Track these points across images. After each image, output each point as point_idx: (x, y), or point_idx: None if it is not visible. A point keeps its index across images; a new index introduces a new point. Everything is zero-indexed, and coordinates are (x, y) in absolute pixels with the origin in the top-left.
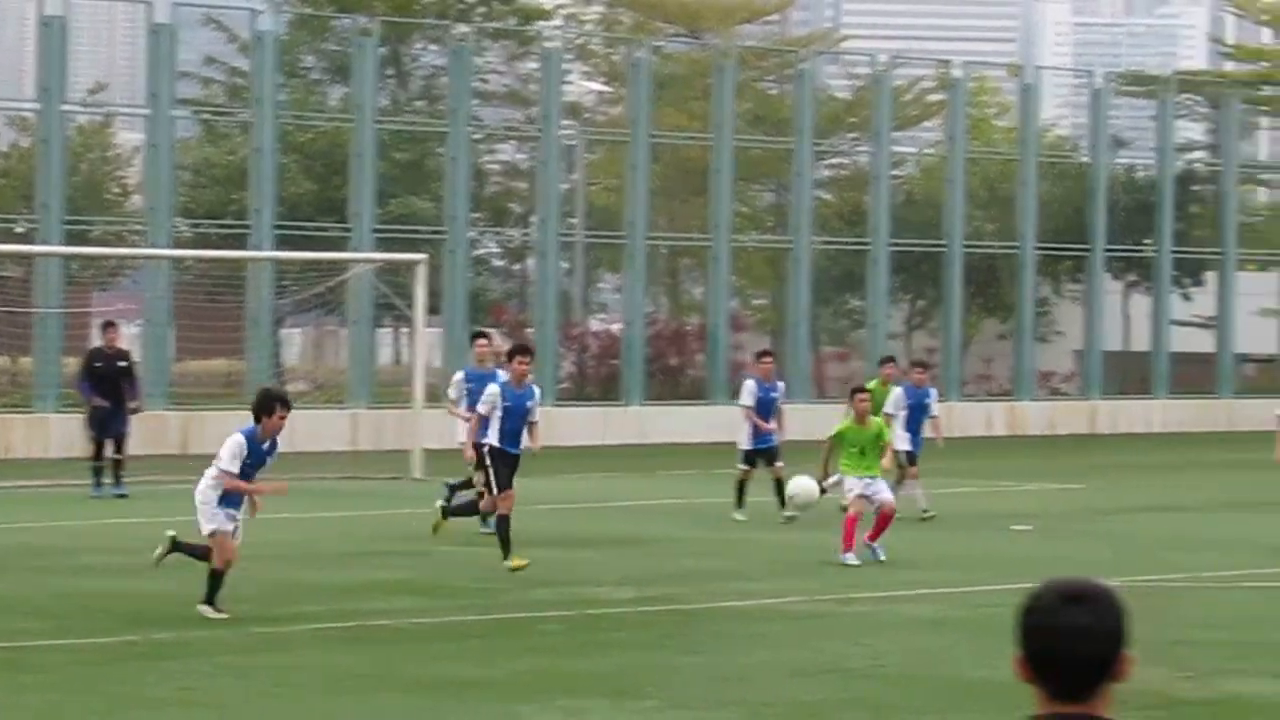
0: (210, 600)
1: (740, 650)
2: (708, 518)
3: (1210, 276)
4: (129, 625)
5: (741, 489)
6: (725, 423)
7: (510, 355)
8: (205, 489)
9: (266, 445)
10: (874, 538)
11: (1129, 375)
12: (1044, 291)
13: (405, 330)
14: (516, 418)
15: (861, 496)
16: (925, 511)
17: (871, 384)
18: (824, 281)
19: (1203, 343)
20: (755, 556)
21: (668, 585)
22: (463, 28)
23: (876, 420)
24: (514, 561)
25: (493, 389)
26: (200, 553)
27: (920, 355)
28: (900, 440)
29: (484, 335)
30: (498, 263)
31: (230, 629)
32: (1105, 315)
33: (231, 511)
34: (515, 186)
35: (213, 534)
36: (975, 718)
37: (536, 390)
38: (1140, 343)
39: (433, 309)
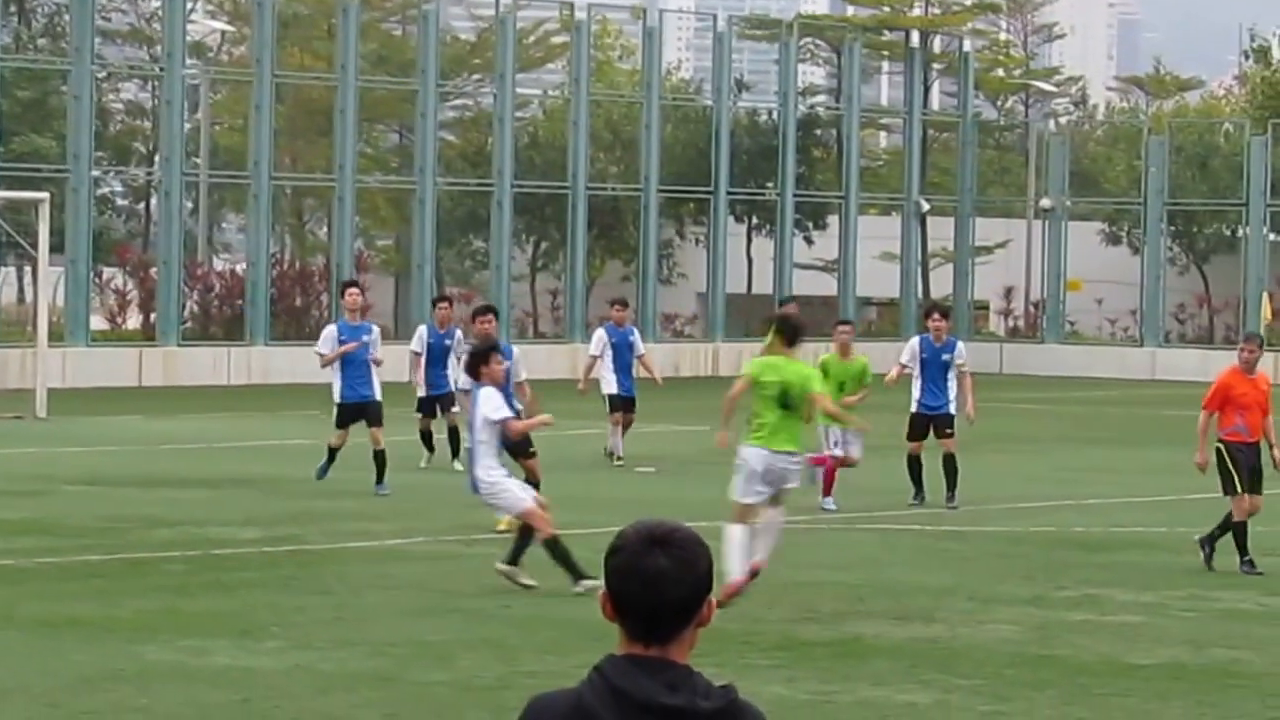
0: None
1: (365, 591)
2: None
3: (832, 220)
4: None
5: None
6: None
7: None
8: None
9: None
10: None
11: (752, 318)
12: (667, 234)
13: (28, 268)
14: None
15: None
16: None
17: None
18: (448, 223)
19: (826, 286)
20: (380, 498)
21: (292, 526)
22: None
23: (861, 357)
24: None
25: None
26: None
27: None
28: (610, 384)
29: (445, 299)
30: (121, 202)
31: None
32: (728, 258)
33: None
34: (139, 125)
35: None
36: (598, 656)
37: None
38: (763, 286)
39: (56, 247)
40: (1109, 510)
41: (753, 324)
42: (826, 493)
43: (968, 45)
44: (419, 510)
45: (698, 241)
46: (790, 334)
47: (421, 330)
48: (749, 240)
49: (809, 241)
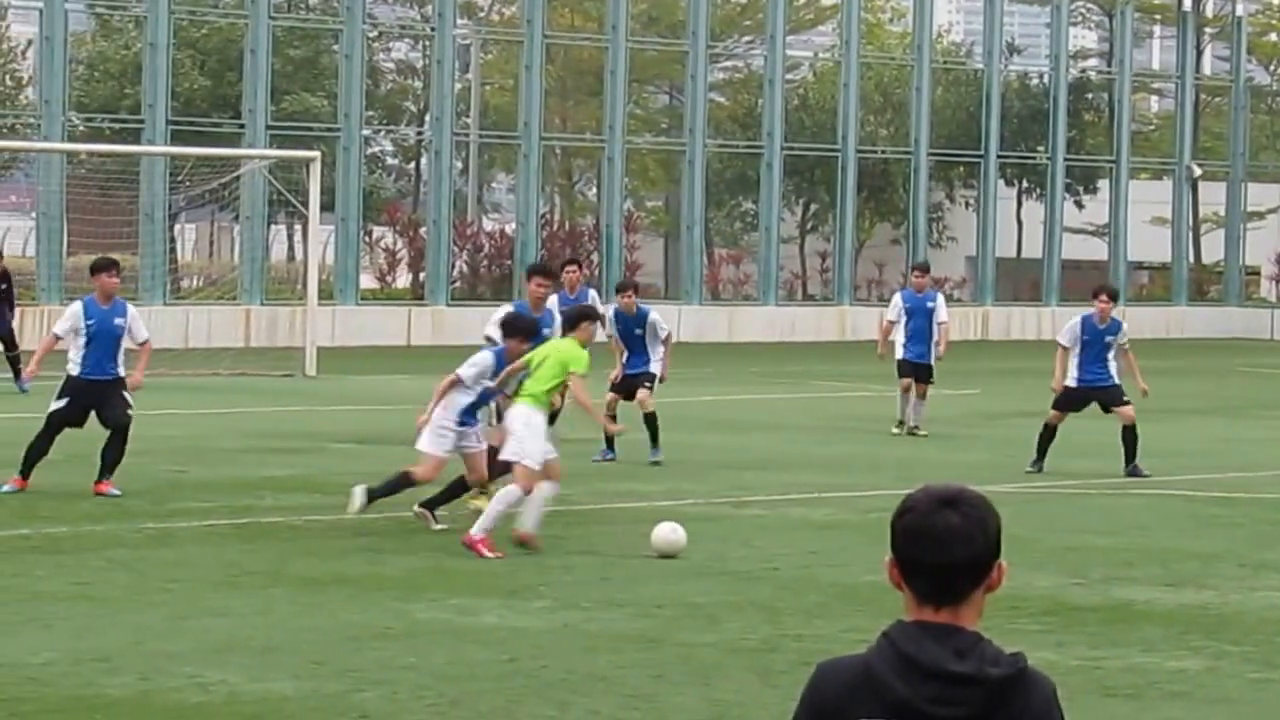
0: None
1: (632, 552)
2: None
3: (1103, 184)
4: (21, 519)
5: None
6: None
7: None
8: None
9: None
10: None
11: (1021, 282)
12: (937, 197)
13: (299, 227)
14: None
15: None
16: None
17: None
18: (717, 184)
19: (1095, 250)
20: (643, 458)
21: (562, 486)
22: None
23: None
24: None
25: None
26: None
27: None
28: (896, 348)
29: (574, 263)
30: (391, 161)
31: (123, 523)
32: (998, 222)
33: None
34: (409, 85)
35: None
36: (865, 621)
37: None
38: (1033, 249)
39: (326, 206)
40: None
41: (1022, 288)
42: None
43: (1241, 9)
44: (688, 471)
45: (967, 205)
46: None
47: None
48: (1019, 204)
49: (1079, 206)
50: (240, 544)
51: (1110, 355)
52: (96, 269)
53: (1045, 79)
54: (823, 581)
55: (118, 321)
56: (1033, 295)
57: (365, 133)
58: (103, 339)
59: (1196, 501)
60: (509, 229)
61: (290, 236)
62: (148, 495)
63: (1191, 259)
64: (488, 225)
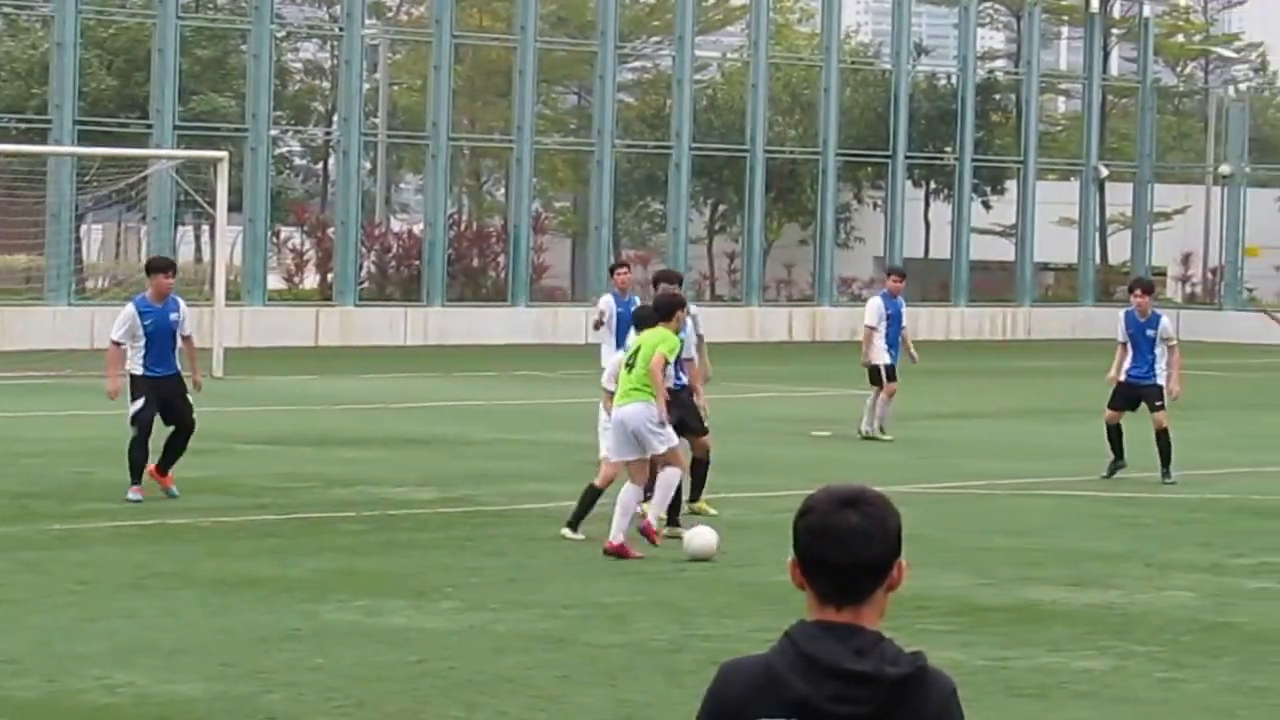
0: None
1: (540, 552)
2: (509, 420)
3: (1010, 185)
4: None
5: None
6: (525, 324)
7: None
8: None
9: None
10: None
11: (929, 282)
12: (845, 198)
13: (206, 227)
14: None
15: None
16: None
17: None
18: (625, 185)
19: (1003, 251)
20: (556, 459)
21: (468, 487)
22: None
23: None
24: None
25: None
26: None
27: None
28: (881, 353)
29: (624, 265)
30: (300, 161)
31: (30, 525)
32: (906, 222)
33: None
34: (318, 85)
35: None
36: (773, 620)
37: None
38: (940, 250)
39: (234, 206)
40: None
41: (930, 289)
42: None
43: (1147, 10)
44: (595, 472)
45: (875, 205)
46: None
47: (607, 299)
48: (926, 205)
49: (987, 206)
50: (148, 545)
51: (1156, 350)
52: (153, 269)
53: (953, 80)
54: (731, 581)
55: (173, 317)
56: (940, 296)
57: (273, 133)
58: (161, 336)
59: (1104, 502)
60: (417, 229)
61: (198, 237)
62: (54, 496)
63: (1098, 260)
64: (396, 226)
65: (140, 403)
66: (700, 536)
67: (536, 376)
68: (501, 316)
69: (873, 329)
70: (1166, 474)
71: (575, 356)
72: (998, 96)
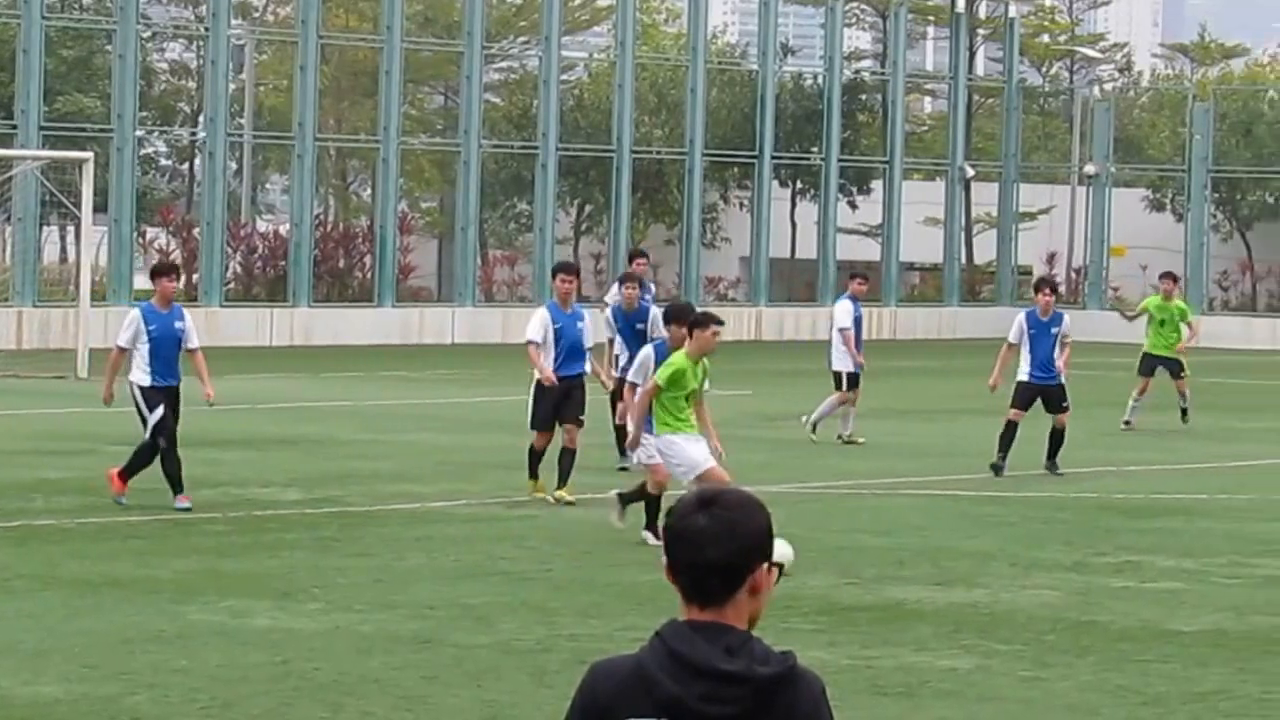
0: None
1: (406, 553)
2: (374, 420)
3: (877, 185)
4: None
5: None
6: (391, 325)
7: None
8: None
9: None
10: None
11: (795, 282)
12: (711, 198)
13: (71, 228)
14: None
15: None
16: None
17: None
18: (492, 185)
19: (869, 251)
20: (422, 459)
21: (334, 487)
22: None
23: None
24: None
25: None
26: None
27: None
28: (844, 359)
29: (643, 254)
30: (165, 162)
31: None
32: (772, 222)
33: None
34: (184, 85)
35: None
36: (640, 620)
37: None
38: (807, 250)
39: (99, 207)
40: (1151, 477)
41: (796, 289)
42: None
43: (1013, 11)
44: (462, 472)
45: (741, 205)
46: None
47: (608, 314)
48: (793, 205)
49: (853, 206)
50: (11, 547)
51: (1057, 350)
52: (157, 273)
53: (819, 80)
54: (597, 582)
55: (177, 325)
56: (807, 296)
57: (139, 133)
58: (165, 344)
59: (969, 501)
60: (283, 230)
61: (63, 238)
62: None
63: (964, 259)
64: (262, 226)
65: (159, 412)
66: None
67: (402, 377)
68: (368, 317)
69: (847, 330)
70: (1053, 465)
71: (441, 357)
72: (864, 96)
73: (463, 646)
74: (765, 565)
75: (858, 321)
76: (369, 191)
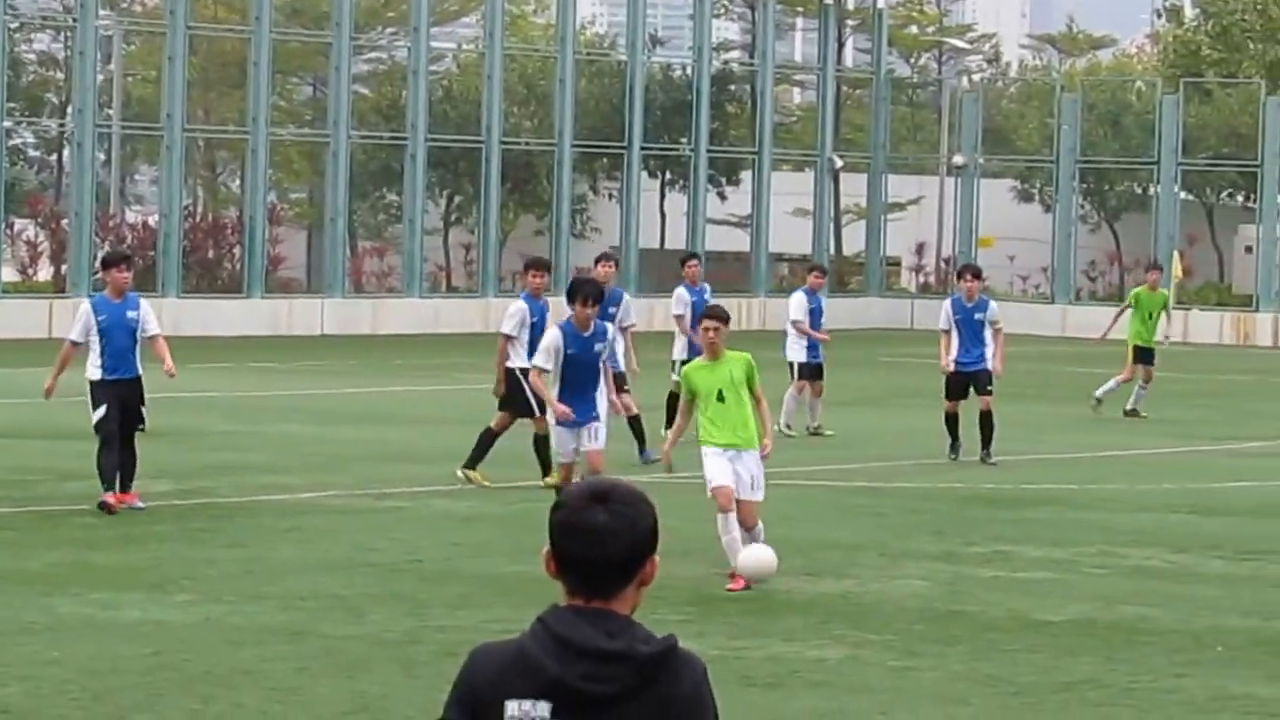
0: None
1: (277, 544)
2: (244, 411)
3: (746, 176)
4: None
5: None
6: (260, 316)
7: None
8: None
9: None
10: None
11: (665, 273)
12: (581, 189)
13: None
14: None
15: None
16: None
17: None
18: (361, 176)
19: (738, 241)
20: (292, 451)
21: (204, 479)
22: None
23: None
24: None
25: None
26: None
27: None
28: (797, 349)
29: (695, 257)
30: (33, 153)
31: None
32: (641, 213)
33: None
34: (52, 76)
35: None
36: (509, 611)
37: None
38: (676, 241)
39: None
40: (1019, 467)
41: (665, 279)
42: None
43: (881, 2)
44: (331, 464)
45: (611, 196)
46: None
47: (681, 292)
48: (662, 195)
49: (722, 197)
50: None
51: (985, 334)
52: (108, 263)
53: (688, 71)
54: (466, 573)
55: (130, 315)
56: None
57: (6, 124)
58: (117, 334)
59: (840, 491)
60: (152, 221)
61: None
62: None
63: (832, 250)
64: (130, 217)
65: (103, 410)
66: (755, 558)
67: (271, 368)
68: (237, 308)
69: (800, 322)
70: (988, 455)
71: (310, 348)
72: (733, 87)
73: (333, 638)
74: (654, 558)
75: (814, 312)
76: (238, 182)
